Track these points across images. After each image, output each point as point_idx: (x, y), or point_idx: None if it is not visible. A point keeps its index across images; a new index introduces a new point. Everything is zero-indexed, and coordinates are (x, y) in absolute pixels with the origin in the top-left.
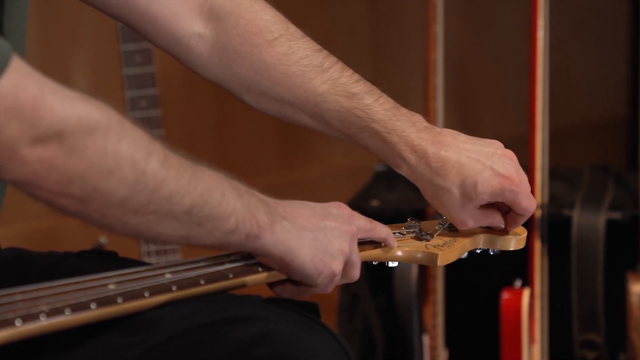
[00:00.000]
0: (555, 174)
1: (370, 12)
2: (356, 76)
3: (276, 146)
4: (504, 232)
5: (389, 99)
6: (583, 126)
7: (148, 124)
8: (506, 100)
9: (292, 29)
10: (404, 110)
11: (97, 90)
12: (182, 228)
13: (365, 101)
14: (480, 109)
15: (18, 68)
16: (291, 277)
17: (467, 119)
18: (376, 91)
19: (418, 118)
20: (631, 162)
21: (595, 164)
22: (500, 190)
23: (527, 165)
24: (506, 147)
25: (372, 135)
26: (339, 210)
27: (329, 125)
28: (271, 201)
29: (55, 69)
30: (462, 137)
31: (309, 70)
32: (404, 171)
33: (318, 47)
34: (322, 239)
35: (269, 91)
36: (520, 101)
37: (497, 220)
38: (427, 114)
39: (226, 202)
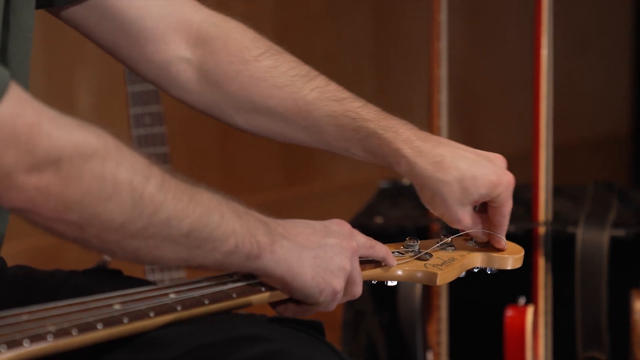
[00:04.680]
0: (559, 190)
1: (374, 28)
2: (340, 86)
3: (279, 162)
4: (501, 251)
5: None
6: (587, 143)
7: (152, 141)
8: (510, 116)
9: (274, 45)
10: (392, 116)
11: (101, 106)
12: (181, 251)
13: (355, 104)
14: (484, 126)
15: (16, 95)
16: (293, 296)
17: (471, 136)
18: (361, 99)
19: (407, 122)
20: (635, 179)
21: (599, 181)
22: (497, 184)
23: (531, 182)
24: (510, 164)
25: (367, 134)
26: (340, 227)
27: (323, 133)
28: (271, 221)
29: (60, 85)
30: (453, 142)
31: (297, 80)
32: (402, 168)
33: (300, 60)
34: (323, 256)
35: (260, 107)
36: (523, 118)
37: (483, 228)
38: (431, 131)
39: (225, 223)
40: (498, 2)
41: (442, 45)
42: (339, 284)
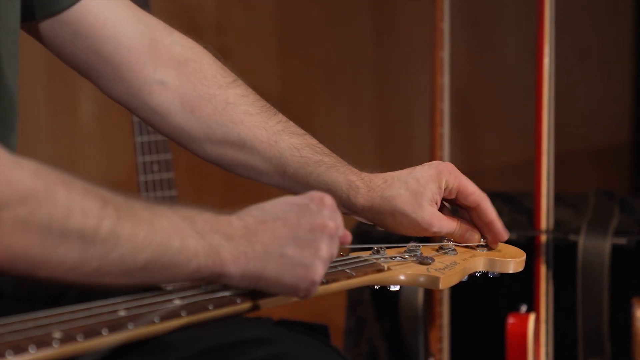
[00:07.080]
0: (560, 199)
1: (375, 37)
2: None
3: None
4: (503, 254)
5: None
6: (587, 152)
7: (155, 149)
8: (511, 126)
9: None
10: None
11: (104, 116)
12: (141, 280)
13: (314, 140)
14: (485, 135)
15: None
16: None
17: (472, 145)
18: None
19: None
20: (636, 188)
21: (600, 190)
22: (437, 174)
23: (532, 190)
24: (511, 172)
25: (328, 167)
26: (318, 206)
27: (286, 166)
28: (238, 231)
29: (62, 93)
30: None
31: (265, 111)
32: (360, 199)
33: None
34: (291, 253)
35: (231, 133)
36: (525, 127)
37: (465, 227)
38: (433, 139)
39: (186, 247)
40: (499, 11)
41: (445, 54)
42: (316, 272)
